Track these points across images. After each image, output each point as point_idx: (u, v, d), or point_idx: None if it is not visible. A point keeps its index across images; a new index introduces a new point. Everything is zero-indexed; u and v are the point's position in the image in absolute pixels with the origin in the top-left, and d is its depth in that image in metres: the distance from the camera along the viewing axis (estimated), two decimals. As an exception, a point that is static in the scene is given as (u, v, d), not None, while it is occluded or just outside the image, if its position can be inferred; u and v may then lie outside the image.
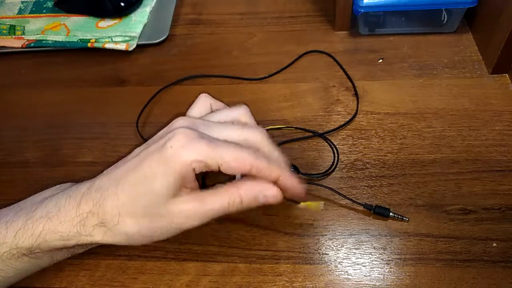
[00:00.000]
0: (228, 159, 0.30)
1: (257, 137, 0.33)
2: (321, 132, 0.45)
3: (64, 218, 0.31)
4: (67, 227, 0.31)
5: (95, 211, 0.31)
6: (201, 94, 0.37)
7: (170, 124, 0.33)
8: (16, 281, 0.35)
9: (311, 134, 0.45)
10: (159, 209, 0.31)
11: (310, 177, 0.42)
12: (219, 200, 0.31)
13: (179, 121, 0.32)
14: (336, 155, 0.43)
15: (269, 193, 0.32)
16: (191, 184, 0.31)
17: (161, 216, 0.31)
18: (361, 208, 0.39)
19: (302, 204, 0.36)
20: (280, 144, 0.44)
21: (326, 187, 0.40)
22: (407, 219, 0.38)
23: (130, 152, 0.34)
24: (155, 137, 0.33)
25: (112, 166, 0.33)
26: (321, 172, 0.42)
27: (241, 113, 0.35)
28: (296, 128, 0.46)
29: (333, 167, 0.42)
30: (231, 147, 0.30)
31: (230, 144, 0.31)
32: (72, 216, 0.31)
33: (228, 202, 0.31)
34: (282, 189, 0.32)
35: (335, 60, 0.52)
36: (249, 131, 0.33)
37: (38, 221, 0.32)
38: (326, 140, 0.44)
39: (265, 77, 0.51)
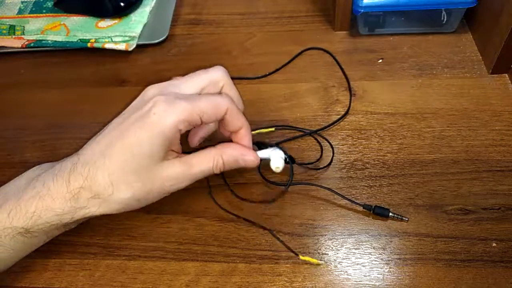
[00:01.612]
0: (207, 109, 0.33)
1: (219, 73, 0.36)
2: (313, 130, 0.45)
3: (56, 195, 0.32)
4: (60, 203, 0.32)
5: (86, 186, 0.32)
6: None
7: (142, 94, 0.35)
8: (12, 263, 0.35)
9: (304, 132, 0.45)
10: (149, 173, 0.33)
11: (306, 166, 0.42)
12: (205, 163, 0.35)
13: (151, 90, 0.34)
14: (332, 151, 0.43)
15: (248, 158, 0.36)
16: (176, 147, 0.34)
17: (152, 179, 0.33)
18: (361, 208, 0.39)
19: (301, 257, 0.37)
20: (279, 143, 0.44)
21: (325, 187, 0.40)
22: (407, 219, 0.38)
23: None
24: (130, 108, 0.35)
25: (91, 141, 0.34)
26: (318, 166, 0.42)
27: (218, 76, 0.36)
28: (290, 128, 0.46)
29: (329, 162, 0.43)
30: (205, 98, 0.33)
31: (203, 95, 0.34)
32: (64, 193, 0.32)
33: (213, 164, 0.35)
34: (239, 139, 0.36)
35: (332, 56, 0.52)
36: (211, 72, 0.36)
37: (29, 201, 0.32)
38: (320, 137, 0.45)
39: (264, 76, 0.51)
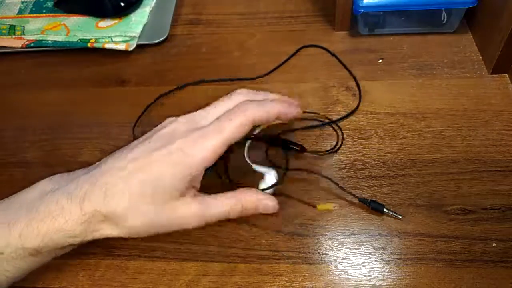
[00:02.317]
0: (234, 134, 0.33)
1: (241, 98, 0.35)
2: (330, 119, 0.46)
3: (69, 216, 0.31)
4: (72, 225, 0.31)
5: (101, 209, 0.31)
6: None
7: (170, 126, 0.34)
8: (19, 279, 0.35)
9: (314, 125, 0.45)
10: (165, 208, 0.32)
11: (317, 154, 0.43)
12: (221, 206, 0.34)
13: (181, 126, 0.34)
14: (341, 136, 0.44)
15: (269, 203, 0.35)
16: (197, 184, 0.34)
17: (167, 215, 0.32)
18: (361, 207, 0.39)
19: (318, 207, 0.38)
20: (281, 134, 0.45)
21: (324, 176, 0.40)
22: (401, 217, 0.38)
23: None
24: (157, 137, 0.34)
25: (111, 161, 0.34)
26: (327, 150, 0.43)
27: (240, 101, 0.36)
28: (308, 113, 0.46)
29: (338, 146, 0.44)
30: (228, 123, 0.33)
31: (228, 121, 0.33)
32: (77, 215, 0.31)
33: (229, 209, 0.34)
34: (283, 117, 0.35)
35: (330, 52, 0.52)
36: (234, 99, 0.35)
37: (42, 221, 0.31)
38: (332, 124, 0.46)
39: (263, 75, 0.51)
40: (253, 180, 0.40)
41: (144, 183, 0.32)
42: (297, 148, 0.42)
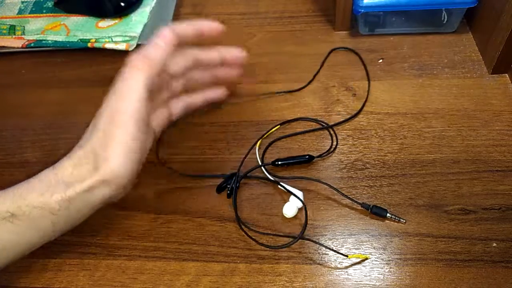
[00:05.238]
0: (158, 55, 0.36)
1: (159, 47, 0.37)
2: (329, 124, 0.46)
3: (43, 177, 0.33)
4: (45, 182, 0.33)
5: (82, 156, 0.34)
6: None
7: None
8: (4, 261, 0.34)
9: (313, 128, 0.45)
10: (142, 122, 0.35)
11: (323, 157, 0.43)
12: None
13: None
14: (335, 141, 0.44)
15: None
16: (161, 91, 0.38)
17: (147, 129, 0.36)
18: (360, 207, 0.39)
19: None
20: (285, 137, 0.45)
21: (324, 183, 0.40)
22: (404, 221, 0.38)
23: None
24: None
25: None
26: (321, 153, 0.42)
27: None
28: (307, 119, 0.46)
29: (332, 149, 0.44)
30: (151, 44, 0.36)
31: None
32: (50, 175, 0.33)
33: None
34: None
35: (357, 55, 0.52)
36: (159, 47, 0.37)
37: (17, 186, 0.33)
38: (330, 129, 0.45)
39: (302, 88, 0.50)
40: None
41: (114, 123, 0.35)
42: (305, 159, 0.42)
